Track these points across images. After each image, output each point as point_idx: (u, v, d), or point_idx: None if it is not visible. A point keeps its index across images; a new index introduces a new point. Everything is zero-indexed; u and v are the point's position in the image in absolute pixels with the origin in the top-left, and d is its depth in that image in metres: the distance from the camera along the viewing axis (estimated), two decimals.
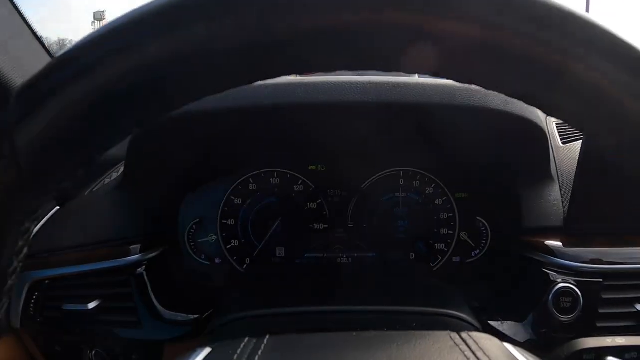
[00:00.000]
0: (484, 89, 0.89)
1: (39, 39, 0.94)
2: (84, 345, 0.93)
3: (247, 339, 0.46)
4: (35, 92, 0.27)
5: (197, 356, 0.43)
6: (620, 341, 0.86)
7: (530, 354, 0.41)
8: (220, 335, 0.80)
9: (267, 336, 0.46)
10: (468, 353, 0.41)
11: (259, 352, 0.43)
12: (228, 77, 0.28)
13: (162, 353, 0.93)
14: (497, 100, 0.90)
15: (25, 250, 0.29)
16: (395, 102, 0.90)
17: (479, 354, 0.41)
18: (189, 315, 0.95)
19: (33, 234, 0.29)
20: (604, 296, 0.88)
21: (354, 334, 0.46)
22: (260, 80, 0.29)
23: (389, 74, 0.97)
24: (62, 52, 0.27)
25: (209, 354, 0.43)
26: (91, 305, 0.90)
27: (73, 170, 0.29)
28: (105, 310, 0.91)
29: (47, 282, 0.92)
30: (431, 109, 0.91)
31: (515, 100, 0.89)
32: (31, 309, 0.91)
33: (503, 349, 0.42)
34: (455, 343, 0.43)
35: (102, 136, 0.28)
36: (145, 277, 0.94)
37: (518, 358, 0.40)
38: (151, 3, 0.26)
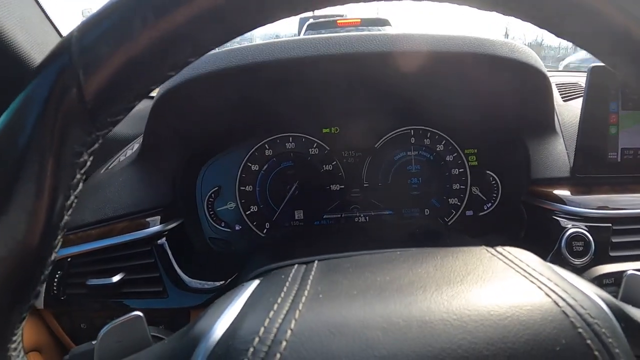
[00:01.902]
0: (491, 38, 0.90)
1: (50, 20, 0.94)
2: (110, 319, 0.93)
3: (295, 266, 0.45)
4: (103, 30, 0.29)
5: (245, 288, 0.41)
6: (637, 265, 0.89)
7: (562, 268, 0.42)
8: None
9: (316, 261, 0.46)
10: (507, 261, 0.42)
11: (312, 273, 0.42)
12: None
13: (189, 319, 0.93)
14: (505, 48, 0.91)
15: (80, 185, 0.31)
16: (404, 51, 0.90)
17: (516, 261, 0.42)
18: (213, 283, 0.94)
19: None
20: (614, 240, 0.91)
21: (398, 252, 0.46)
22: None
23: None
24: None
25: (259, 285, 0.42)
26: (115, 279, 0.89)
27: (130, 103, 0.31)
28: (130, 282, 0.91)
29: (69, 259, 0.91)
30: (438, 58, 0.92)
31: (521, 49, 0.90)
32: (54, 288, 0.90)
33: (536, 258, 0.43)
34: (492, 254, 0.44)
35: (157, 71, 0.30)
36: (167, 247, 0.94)
37: (554, 268, 0.41)
38: None
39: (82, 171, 0.30)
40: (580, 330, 0.32)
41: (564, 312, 0.33)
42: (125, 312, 0.90)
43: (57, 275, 0.90)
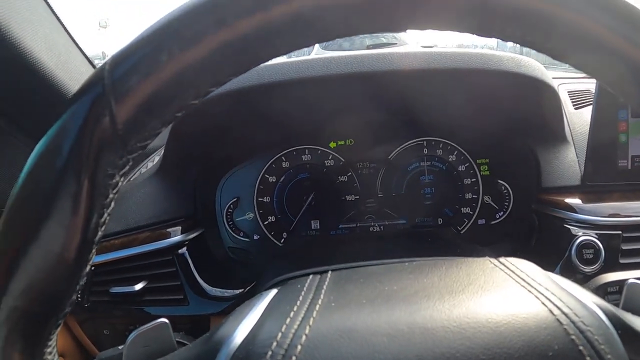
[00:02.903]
0: (497, 53, 0.91)
1: (76, 43, 0.96)
2: (132, 326, 0.95)
3: (310, 276, 0.47)
4: (133, 62, 0.31)
5: (263, 297, 0.44)
6: None
7: (562, 277, 0.44)
8: None
9: (330, 272, 0.48)
10: (508, 272, 0.43)
11: (326, 283, 0.45)
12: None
13: (209, 326, 0.95)
14: (511, 63, 0.93)
15: (113, 204, 0.33)
16: (414, 68, 0.92)
17: (517, 271, 0.43)
18: (233, 291, 0.97)
19: None
20: (624, 247, 0.91)
21: (406, 263, 0.49)
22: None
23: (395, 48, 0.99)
24: (161, 20, 0.31)
25: (277, 293, 0.45)
26: (138, 287, 0.92)
27: (158, 129, 0.33)
28: (151, 290, 0.94)
29: (92, 268, 0.93)
30: (448, 74, 0.93)
31: (527, 63, 0.92)
32: (78, 296, 0.92)
33: (539, 269, 0.44)
34: (494, 265, 0.46)
35: (185, 98, 0.32)
36: (188, 257, 0.96)
37: (553, 278, 0.42)
38: None
39: (115, 191, 0.33)
40: (573, 337, 0.33)
41: (558, 319, 0.34)
42: (147, 319, 0.93)
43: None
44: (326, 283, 0.45)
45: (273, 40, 0.31)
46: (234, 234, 1.17)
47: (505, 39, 0.33)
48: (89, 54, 1.00)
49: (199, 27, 0.30)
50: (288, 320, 0.37)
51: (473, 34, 0.33)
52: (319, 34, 0.32)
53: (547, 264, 0.94)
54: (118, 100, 0.30)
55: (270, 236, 1.18)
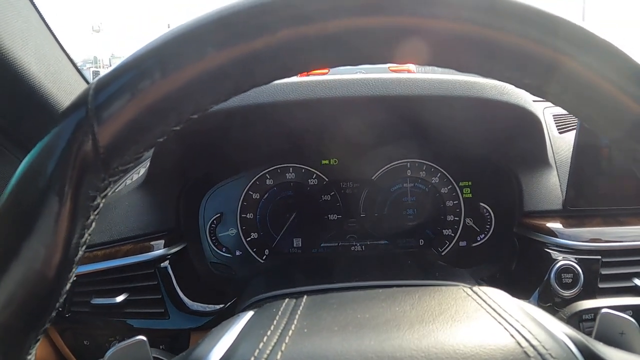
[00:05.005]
0: (481, 81, 0.93)
1: (66, 53, 0.98)
2: (112, 337, 0.96)
3: (286, 300, 0.49)
4: (116, 88, 0.32)
5: (240, 319, 0.45)
6: (616, 301, 0.91)
7: (535, 307, 0.45)
8: None
9: (305, 296, 0.50)
10: (480, 301, 0.45)
11: (300, 308, 0.46)
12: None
13: (189, 340, 0.96)
14: (494, 91, 0.94)
15: (94, 225, 0.34)
16: (398, 95, 0.94)
17: (489, 301, 0.45)
18: (214, 306, 0.98)
19: None
20: (603, 272, 0.93)
21: (380, 290, 0.50)
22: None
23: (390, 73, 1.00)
24: (144, 47, 0.32)
25: (252, 316, 0.46)
26: (119, 299, 0.92)
27: (139, 154, 0.34)
28: (132, 303, 0.94)
29: (74, 278, 0.93)
30: (431, 100, 0.95)
31: (510, 91, 0.93)
32: (59, 306, 0.93)
33: (512, 299, 0.46)
34: (467, 294, 0.47)
35: (166, 124, 0.33)
36: (170, 271, 0.97)
37: (525, 308, 0.43)
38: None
39: (96, 212, 0.33)
40: None
41: (525, 352, 0.35)
42: (128, 331, 0.93)
43: None
44: (300, 308, 0.46)
45: (253, 71, 0.32)
46: (216, 249, 1.18)
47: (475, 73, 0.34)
48: (81, 58, 1.02)
49: (181, 55, 0.31)
50: (261, 345, 0.38)
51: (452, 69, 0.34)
52: (299, 65, 0.33)
53: (526, 288, 0.96)
54: (100, 125, 0.31)
55: (252, 252, 1.19)
